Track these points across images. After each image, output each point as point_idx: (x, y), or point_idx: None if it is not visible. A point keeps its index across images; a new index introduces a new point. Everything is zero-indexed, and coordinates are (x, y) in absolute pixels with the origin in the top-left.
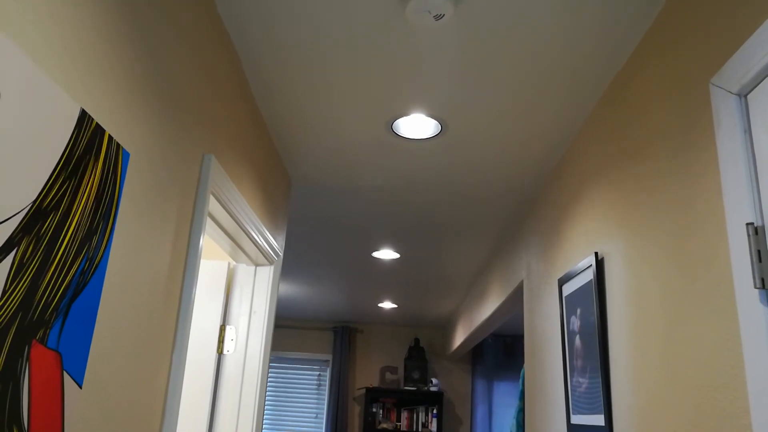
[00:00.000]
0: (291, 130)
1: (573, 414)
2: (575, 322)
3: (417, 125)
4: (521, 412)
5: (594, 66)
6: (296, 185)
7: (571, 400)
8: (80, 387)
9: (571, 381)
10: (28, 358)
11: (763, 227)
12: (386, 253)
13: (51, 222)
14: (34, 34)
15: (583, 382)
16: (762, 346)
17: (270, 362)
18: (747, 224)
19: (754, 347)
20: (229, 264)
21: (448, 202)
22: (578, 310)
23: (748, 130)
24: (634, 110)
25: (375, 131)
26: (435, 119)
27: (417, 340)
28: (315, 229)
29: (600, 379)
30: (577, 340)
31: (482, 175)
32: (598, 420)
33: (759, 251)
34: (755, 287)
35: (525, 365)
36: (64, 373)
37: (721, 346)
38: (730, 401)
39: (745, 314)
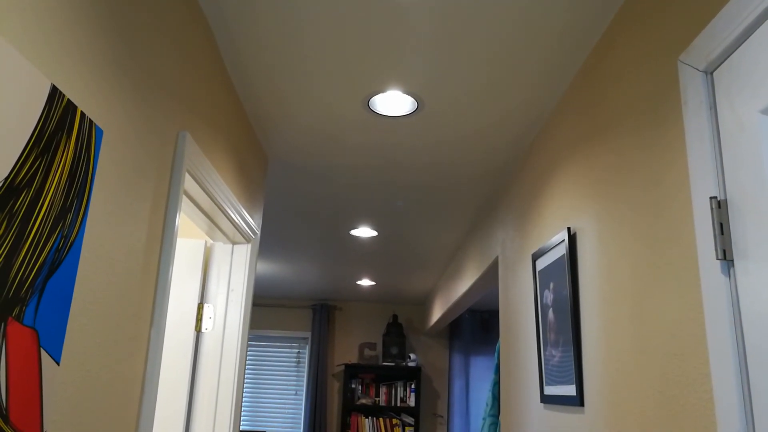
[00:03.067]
0: (267, 107)
1: (546, 385)
2: (548, 296)
3: (393, 102)
4: (497, 385)
5: (569, 41)
6: (273, 163)
7: (545, 372)
8: (58, 364)
9: (544, 353)
10: (4, 336)
11: (726, 201)
12: (364, 231)
13: (24, 199)
14: (2, 8)
15: (556, 354)
16: (721, 315)
17: (249, 340)
18: (711, 198)
19: (714, 316)
20: (206, 242)
21: (425, 180)
22: (551, 284)
23: (713, 107)
24: (607, 87)
25: (351, 108)
26: (411, 96)
27: (395, 317)
28: (293, 207)
29: (572, 351)
30: (551, 314)
31: (459, 152)
32: (570, 390)
33: (721, 224)
34: (717, 258)
35: (500, 339)
36: (42, 350)
37: (686, 316)
38: (693, 368)
39: (707, 285)
